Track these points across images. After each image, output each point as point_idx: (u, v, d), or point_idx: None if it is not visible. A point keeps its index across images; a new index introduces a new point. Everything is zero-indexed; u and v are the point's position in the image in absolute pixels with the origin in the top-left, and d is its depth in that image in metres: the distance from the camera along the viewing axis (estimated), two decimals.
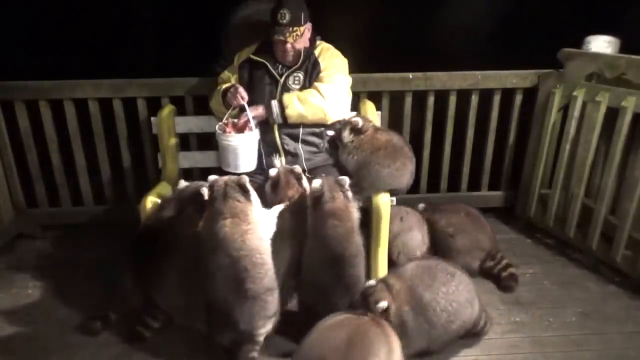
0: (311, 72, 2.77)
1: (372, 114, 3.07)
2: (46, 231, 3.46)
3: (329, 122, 2.78)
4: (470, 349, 2.38)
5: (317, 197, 2.29)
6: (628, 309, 2.65)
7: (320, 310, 2.20)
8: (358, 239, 2.36)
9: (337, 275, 2.28)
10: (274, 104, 2.69)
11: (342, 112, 2.82)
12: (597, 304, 2.70)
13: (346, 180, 2.39)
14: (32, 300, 2.77)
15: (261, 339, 2.20)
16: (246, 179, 2.23)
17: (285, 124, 2.72)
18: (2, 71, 3.19)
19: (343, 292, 2.29)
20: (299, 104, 2.68)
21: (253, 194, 2.24)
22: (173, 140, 3.09)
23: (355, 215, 2.36)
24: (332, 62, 2.79)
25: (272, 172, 2.55)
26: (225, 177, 2.24)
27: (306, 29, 2.70)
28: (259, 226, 2.19)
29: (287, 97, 2.70)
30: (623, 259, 2.83)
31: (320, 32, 2.86)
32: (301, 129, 2.75)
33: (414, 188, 3.48)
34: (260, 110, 2.71)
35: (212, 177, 2.26)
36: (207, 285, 2.18)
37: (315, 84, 2.74)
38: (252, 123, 2.67)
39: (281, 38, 2.62)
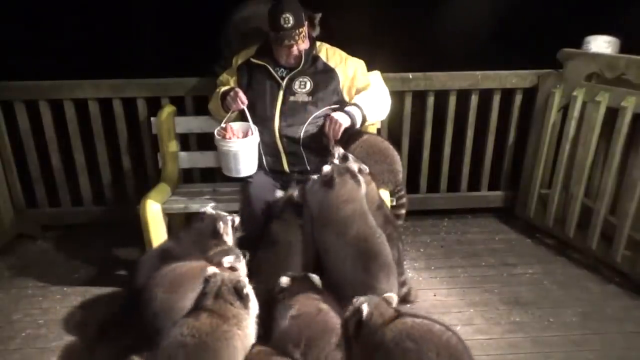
0: (325, 77, 2.73)
1: None
2: (46, 231, 3.46)
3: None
4: (470, 349, 2.37)
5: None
6: (628, 309, 2.65)
7: None
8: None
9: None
10: (355, 111, 2.61)
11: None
12: (597, 304, 2.70)
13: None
14: (32, 300, 2.77)
15: None
16: (245, 282, 1.95)
17: (362, 124, 2.70)
18: (2, 71, 3.19)
19: None
20: (374, 107, 2.70)
21: (252, 301, 1.96)
22: (173, 141, 3.09)
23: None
24: (355, 63, 2.80)
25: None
26: (225, 274, 1.99)
27: (306, 27, 2.69)
28: (250, 335, 1.93)
29: (363, 101, 2.66)
30: (623, 259, 2.83)
31: (322, 31, 2.86)
32: (302, 132, 2.74)
33: (414, 188, 3.49)
34: (346, 118, 2.58)
35: (210, 270, 1.99)
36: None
37: (369, 91, 2.74)
38: (252, 127, 2.67)
39: (291, 42, 2.59)
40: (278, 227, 2.49)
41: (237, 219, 2.58)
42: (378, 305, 1.94)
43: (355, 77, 2.76)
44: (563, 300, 2.73)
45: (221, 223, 2.47)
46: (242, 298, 1.90)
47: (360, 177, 2.42)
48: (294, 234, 2.47)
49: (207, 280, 1.94)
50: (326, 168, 2.39)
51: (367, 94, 2.73)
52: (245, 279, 1.97)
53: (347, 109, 2.63)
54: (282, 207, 2.55)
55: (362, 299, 1.96)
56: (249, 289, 1.94)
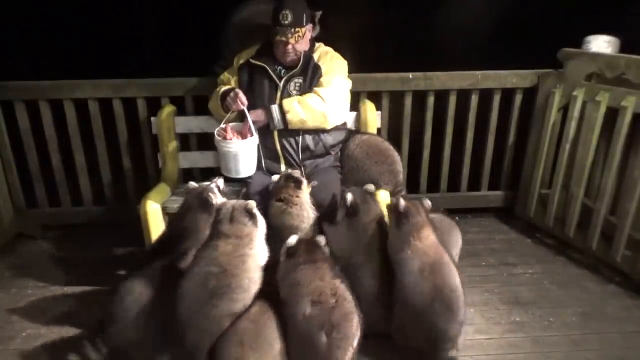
0: (312, 77, 2.75)
1: (372, 114, 3.07)
2: (46, 231, 3.46)
3: (329, 127, 2.78)
4: (470, 349, 2.37)
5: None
6: (628, 309, 2.65)
7: None
8: None
9: None
10: (275, 108, 2.68)
11: (342, 116, 2.84)
12: (597, 304, 2.70)
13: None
14: (32, 300, 2.77)
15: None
16: (253, 203, 2.20)
17: (285, 129, 2.71)
18: (2, 71, 3.19)
19: None
20: (300, 109, 2.67)
21: (260, 219, 2.21)
22: (173, 141, 3.09)
23: None
24: (332, 65, 2.78)
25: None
26: (233, 201, 2.23)
27: (307, 30, 2.69)
28: (260, 252, 2.17)
29: (288, 102, 2.68)
30: (623, 258, 2.83)
31: (321, 31, 2.86)
32: (301, 133, 2.75)
33: (414, 188, 3.49)
34: (260, 115, 2.70)
35: (219, 201, 2.27)
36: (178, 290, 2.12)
37: (316, 88, 2.73)
38: (252, 128, 2.68)
39: (283, 39, 2.61)
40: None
41: (221, 182, 2.58)
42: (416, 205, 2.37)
43: (324, 77, 2.75)
44: (563, 300, 2.74)
45: (210, 194, 2.42)
46: (253, 217, 2.16)
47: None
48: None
49: (219, 209, 2.19)
50: (349, 197, 2.43)
51: (305, 97, 2.70)
52: (252, 202, 2.20)
53: (272, 106, 2.68)
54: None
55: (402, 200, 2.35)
56: (256, 210, 2.19)
